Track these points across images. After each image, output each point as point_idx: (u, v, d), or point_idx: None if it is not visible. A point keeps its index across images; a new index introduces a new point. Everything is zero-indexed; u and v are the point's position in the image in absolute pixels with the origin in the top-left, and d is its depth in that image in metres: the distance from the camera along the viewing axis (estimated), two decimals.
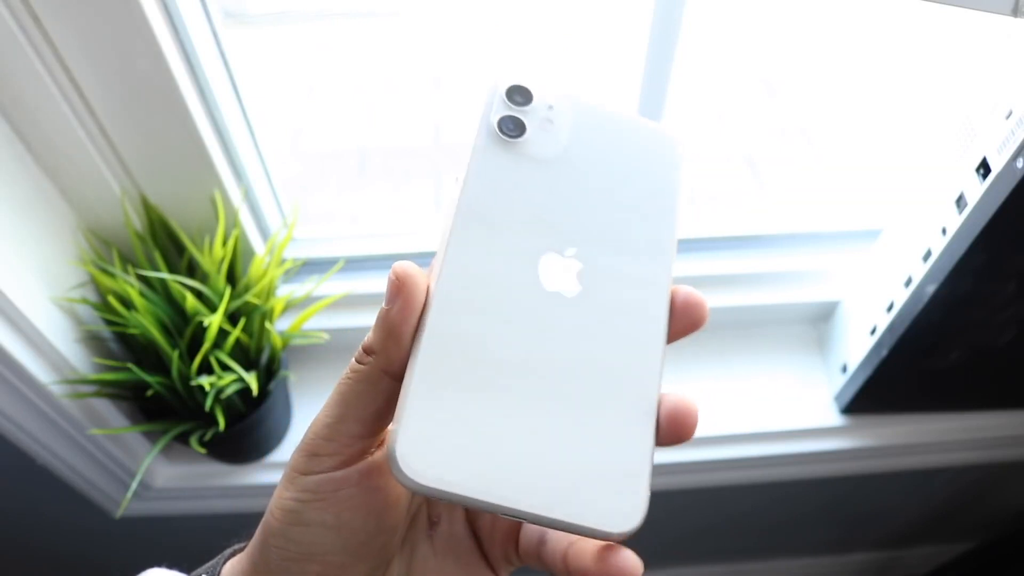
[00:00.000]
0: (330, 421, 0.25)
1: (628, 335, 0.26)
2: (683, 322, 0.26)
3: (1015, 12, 0.39)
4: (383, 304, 0.24)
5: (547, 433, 0.23)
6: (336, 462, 0.25)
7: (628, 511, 0.23)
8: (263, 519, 0.26)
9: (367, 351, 0.24)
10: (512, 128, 0.28)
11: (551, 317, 0.25)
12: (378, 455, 0.26)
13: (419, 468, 0.22)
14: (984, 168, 0.50)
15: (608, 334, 0.25)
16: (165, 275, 0.59)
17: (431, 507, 0.29)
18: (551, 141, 0.28)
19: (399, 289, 0.23)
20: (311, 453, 0.25)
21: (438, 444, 0.22)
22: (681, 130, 0.29)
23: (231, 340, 0.59)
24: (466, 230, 0.26)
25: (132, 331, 0.59)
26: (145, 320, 0.58)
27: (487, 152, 0.27)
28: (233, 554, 0.28)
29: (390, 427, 0.23)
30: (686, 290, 0.26)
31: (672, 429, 0.24)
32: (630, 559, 0.24)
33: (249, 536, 0.28)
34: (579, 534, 0.24)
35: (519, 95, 0.28)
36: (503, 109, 0.28)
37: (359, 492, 0.25)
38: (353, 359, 0.25)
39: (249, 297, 0.61)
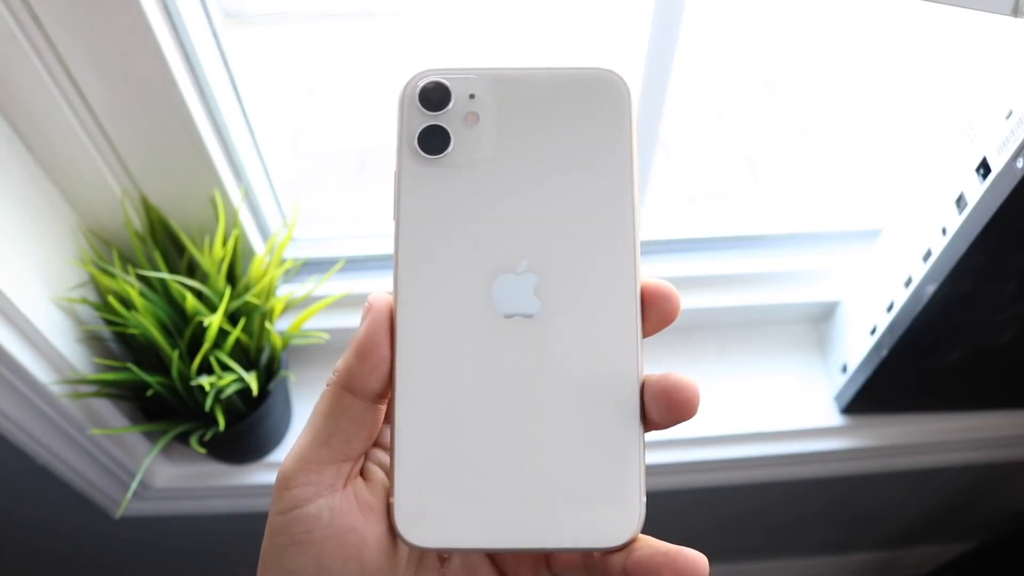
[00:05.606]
0: (297, 449, 0.25)
1: (599, 341, 0.25)
2: (655, 317, 0.25)
3: (1015, 12, 0.39)
4: None
5: (532, 466, 0.24)
6: (308, 492, 0.24)
7: (622, 522, 0.24)
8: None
9: (334, 372, 0.25)
10: (435, 143, 0.25)
11: (514, 346, 0.25)
12: (349, 494, 0.25)
13: (419, 534, 0.24)
14: (984, 168, 0.49)
15: (577, 346, 0.25)
16: (165, 275, 0.59)
17: None
18: (480, 140, 0.25)
19: (365, 314, 0.25)
20: (283, 487, 0.25)
21: (431, 508, 0.24)
22: (621, 68, 0.25)
23: (231, 340, 0.59)
24: (411, 272, 0.25)
25: (132, 331, 0.59)
26: (145, 320, 0.58)
27: (413, 176, 0.25)
28: None
29: (389, 498, 0.24)
30: (654, 282, 0.25)
31: (665, 411, 0.24)
32: (693, 559, 0.23)
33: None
34: (581, 553, 0.25)
35: (434, 94, 0.25)
36: (420, 119, 0.25)
37: (333, 533, 0.24)
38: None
39: (249, 297, 0.61)
